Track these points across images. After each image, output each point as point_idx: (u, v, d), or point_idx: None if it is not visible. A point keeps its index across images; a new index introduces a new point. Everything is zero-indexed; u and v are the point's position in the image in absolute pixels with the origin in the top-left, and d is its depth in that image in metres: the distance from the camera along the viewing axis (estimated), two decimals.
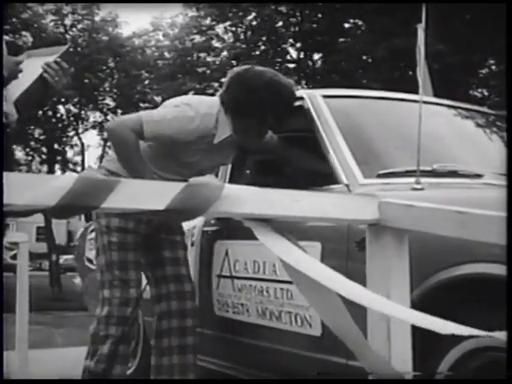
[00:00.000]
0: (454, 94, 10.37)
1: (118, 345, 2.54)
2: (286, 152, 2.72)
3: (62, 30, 16.12)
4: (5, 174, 0.94)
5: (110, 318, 2.53)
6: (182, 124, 2.46)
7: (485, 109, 3.17)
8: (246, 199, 1.12)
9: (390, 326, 1.24)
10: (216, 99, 2.59)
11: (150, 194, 1.04)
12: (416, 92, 3.32)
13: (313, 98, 2.62)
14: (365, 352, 1.19)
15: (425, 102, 2.24)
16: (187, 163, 2.59)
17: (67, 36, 16.13)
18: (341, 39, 14.21)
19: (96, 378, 2.54)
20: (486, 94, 14.81)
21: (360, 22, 14.29)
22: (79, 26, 16.37)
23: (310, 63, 15.32)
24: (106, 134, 2.97)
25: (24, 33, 15.62)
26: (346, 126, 2.50)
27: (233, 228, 2.67)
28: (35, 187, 0.96)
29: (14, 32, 15.51)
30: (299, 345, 2.37)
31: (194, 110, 2.49)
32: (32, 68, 2.16)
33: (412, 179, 2.13)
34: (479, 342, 1.73)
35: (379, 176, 2.30)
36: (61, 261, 16.95)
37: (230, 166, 2.98)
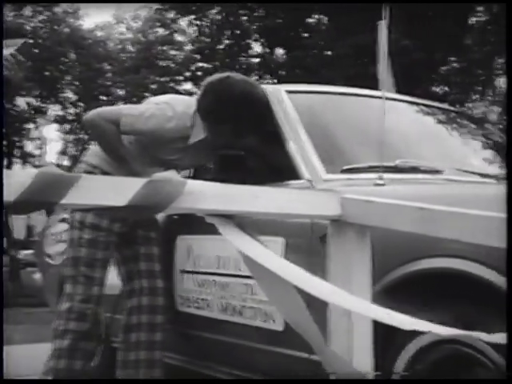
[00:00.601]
0: (416, 90, 10.51)
1: (79, 340, 2.54)
2: (248, 148, 2.73)
3: (21, 20, 15.82)
4: None
5: (71, 314, 2.54)
6: (159, 122, 2.49)
7: (445, 105, 3.22)
8: (209, 195, 1.12)
9: (352, 321, 1.25)
10: (193, 99, 2.62)
11: (112, 190, 1.03)
12: (378, 88, 3.37)
13: (276, 93, 2.62)
14: (323, 349, 1.20)
15: (387, 99, 2.26)
16: (166, 161, 2.60)
17: (27, 27, 15.85)
18: (305, 34, 14.27)
19: (57, 373, 2.52)
20: (447, 90, 15.03)
21: (324, 18, 14.36)
22: (40, 17, 16.09)
23: (274, 58, 15.34)
24: (84, 126, 2.94)
25: None
26: (309, 121, 2.52)
27: (194, 223, 2.66)
28: None
29: None
30: (262, 339, 2.38)
31: (172, 109, 2.52)
32: None
33: (374, 175, 2.15)
34: (436, 336, 1.76)
35: (342, 171, 2.32)
36: (20, 256, 16.66)
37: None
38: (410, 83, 10.36)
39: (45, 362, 2.59)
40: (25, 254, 22.58)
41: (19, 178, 0.96)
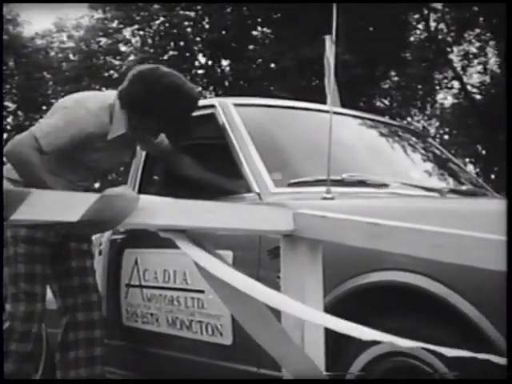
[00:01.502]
0: (358, 104, 10.71)
1: (22, 362, 2.44)
2: (196, 160, 2.71)
3: None
4: None
5: (13, 334, 2.42)
6: (76, 125, 2.37)
7: (388, 119, 3.28)
8: (162, 210, 1.11)
9: (304, 332, 1.26)
10: (108, 93, 2.54)
11: (63, 205, 1.01)
12: (323, 101, 3.42)
13: (224, 106, 2.62)
14: (288, 356, 1.20)
15: (334, 113, 2.29)
16: (88, 164, 2.53)
17: None
18: (250, 47, 14.37)
19: None
20: (387, 103, 15.36)
21: (268, 31, 14.50)
22: None
23: (219, 70, 15.39)
24: (8, 158, 2.75)
25: None
26: (257, 135, 2.52)
27: (142, 236, 2.63)
28: None
29: None
30: (210, 354, 2.36)
31: (84, 107, 2.40)
32: None
33: (322, 188, 2.17)
34: (385, 348, 1.79)
35: (290, 185, 2.34)
36: None
37: (139, 175, 2.94)
38: (353, 97, 10.57)
39: None
40: None
41: None
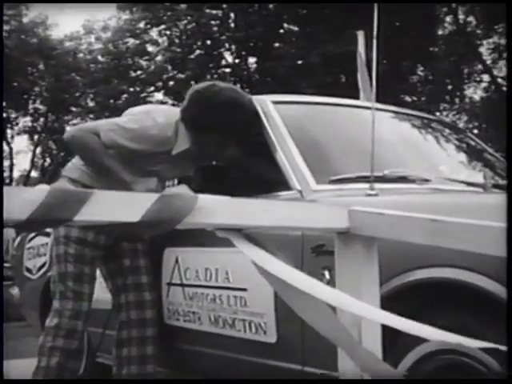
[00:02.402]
0: (386, 100, 10.62)
1: (67, 359, 2.49)
2: (237, 158, 2.71)
3: None
4: None
5: (59, 330, 2.48)
6: (139, 133, 2.45)
7: (425, 114, 3.24)
8: (220, 210, 1.10)
9: (361, 331, 1.25)
10: (174, 109, 2.61)
11: (124, 206, 1.01)
12: (352, 97, 3.39)
13: (263, 104, 2.61)
14: (357, 352, 1.19)
15: (376, 109, 2.27)
16: (150, 172, 2.57)
17: None
18: (276, 44, 14.35)
19: None
20: (415, 99, 15.22)
21: (294, 28, 14.46)
22: (6, 27, 15.89)
23: (245, 68, 15.39)
24: (66, 143, 2.82)
25: None
26: (296, 132, 2.51)
27: (182, 235, 2.62)
28: (4, 201, 0.91)
29: None
30: (254, 352, 2.36)
31: (152, 118, 2.48)
32: None
33: (363, 185, 2.15)
34: (434, 346, 1.76)
35: (331, 182, 2.31)
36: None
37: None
38: (380, 93, 10.50)
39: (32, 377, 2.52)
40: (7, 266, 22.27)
41: (30, 195, 0.93)
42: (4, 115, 16.87)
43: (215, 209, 1.10)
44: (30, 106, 16.99)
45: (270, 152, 2.48)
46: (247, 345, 2.37)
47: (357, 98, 3.99)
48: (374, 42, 2.67)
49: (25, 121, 17.03)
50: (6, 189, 0.91)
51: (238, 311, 2.40)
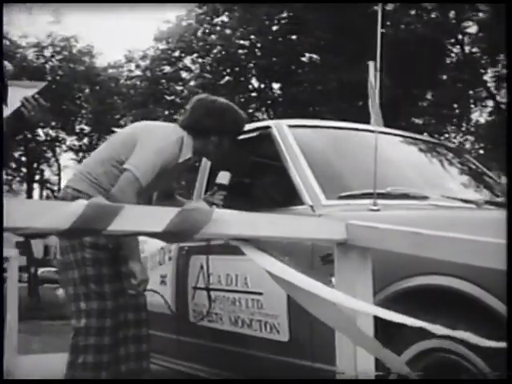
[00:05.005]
0: (398, 122, 10.62)
1: (102, 354, 2.47)
2: (255, 176, 2.79)
3: (42, 60, 15.97)
4: (23, 200, 0.97)
5: (89, 329, 2.46)
6: (163, 157, 2.47)
7: (427, 137, 3.28)
8: (233, 222, 1.17)
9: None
10: (171, 125, 2.67)
11: (150, 218, 1.08)
12: (365, 122, 3.44)
13: (279, 128, 2.68)
14: (360, 338, 1.24)
15: (380, 132, 2.33)
16: (155, 186, 2.61)
17: (47, 66, 15.99)
18: (298, 71, 14.43)
19: None
20: (424, 122, 15.15)
21: (315, 56, 14.55)
22: (58, 57, 16.23)
23: (270, 93, 15.48)
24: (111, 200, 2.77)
25: (6, 63, 15.42)
26: (309, 153, 2.57)
27: (207, 244, 2.70)
28: (50, 212, 0.99)
29: None
30: (269, 350, 2.41)
31: (171, 141, 2.51)
32: (12, 99, 2.10)
33: (369, 201, 2.20)
34: (429, 344, 1.80)
35: (340, 198, 2.37)
36: (38, 273, 16.64)
37: (205, 184, 3.03)
38: (392, 116, 10.52)
39: (65, 375, 2.50)
40: (42, 271, 22.63)
41: (72, 208, 1.01)
42: (54, 134, 17.19)
43: (228, 221, 1.16)
44: (77, 127, 17.26)
45: (285, 171, 2.54)
46: (263, 343, 2.43)
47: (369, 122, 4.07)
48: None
49: (71, 140, 17.30)
50: (50, 202, 0.99)
51: (254, 313, 2.45)
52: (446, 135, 15.57)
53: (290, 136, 2.62)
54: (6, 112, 1.95)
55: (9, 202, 0.97)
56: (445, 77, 13.97)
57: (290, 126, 2.70)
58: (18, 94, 2.12)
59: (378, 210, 2.13)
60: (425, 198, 2.42)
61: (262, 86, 15.35)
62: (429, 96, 14.97)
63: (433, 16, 13.06)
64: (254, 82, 15.53)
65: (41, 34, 16.00)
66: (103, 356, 2.49)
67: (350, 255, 1.30)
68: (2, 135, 1.55)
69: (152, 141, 2.51)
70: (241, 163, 2.88)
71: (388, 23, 11.31)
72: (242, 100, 14.72)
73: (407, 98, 12.72)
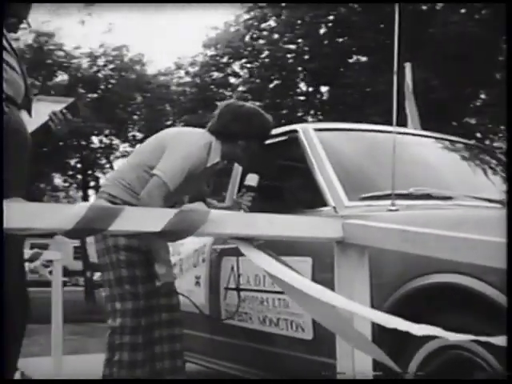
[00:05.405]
0: (450, 122, 10.46)
1: (137, 352, 2.57)
2: (283, 179, 2.85)
3: (95, 69, 16.46)
4: (29, 203, 1.08)
5: (124, 328, 2.56)
6: (190, 163, 2.57)
7: (458, 138, 3.27)
8: (229, 222, 1.24)
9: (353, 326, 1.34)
10: (200, 131, 2.75)
11: (149, 219, 1.17)
12: (407, 122, 3.47)
13: (305, 131, 2.75)
14: (372, 348, 1.29)
15: (400, 133, 2.36)
16: (185, 191, 2.71)
17: (99, 75, 16.46)
18: (347, 73, 14.37)
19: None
20: (478, 121, 14.84)
21: (363, 58, 14.47)
22: (110, 66, 16.69)
23: (319, 96, 15.48)
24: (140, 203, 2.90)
25: (60, 72, 16.01)
26: (334, 155, 2.63)
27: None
28: (54, 214, 1.09)
29: (50, 73, 15.89)
30: (294, 348, 2.47)
31: (198, 146, 2.62)
32: (39, 113, 2.20)
33: (388, 202, 2.23)
34: (441, 342, 1.83)
35: (362, 199, 2.41)
36: (94, 277, 17.08)
37: (237, 185, 3.12)
38: (444, 118, 10.37)
39: (104, 373, 2.61)
40: (99, 275, 23.21)
41: (75, 210, 1.11)
42: (107, 142, 17.65)
43: (225, 221, 1.24)
44: (129, 134, 17.67)
45: (311, 173, 2.60)
46: (289, 341, 2.49)
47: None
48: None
49: (124, 146, 17.72)
50: (56, 205, 1.09)
51: (281, 312, 2.52)
52: (500, 135, 15.19)
53: (316, 139, 2.68)
54: (30, 125, 2.07)
55: (18, 205, 1.08)
56: (498, 76, 13.65)
57: (316, 130, 2.76)
58: (47, 109, 2.23)
59: (396, 211, 2.16)
60: (449, 198, 2.43)
61: (310, 89, 15.36)
62: (482, 96, 14.66)
63: (483, 12, 12.79)
64: (302, 86, 15.56)
65: (93, 44, 16.52)
66: (138, 354, 2.60)
67: (348, 253, 1.36)
68: (1, 137, 1.66)
69: (180, 146, 2.61)
70: (269, 166, 2.95)
71: (435, 23, 11.15)
72: (291, 104, 14.78)
73: (459, 98, 12.50)
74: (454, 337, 1.07)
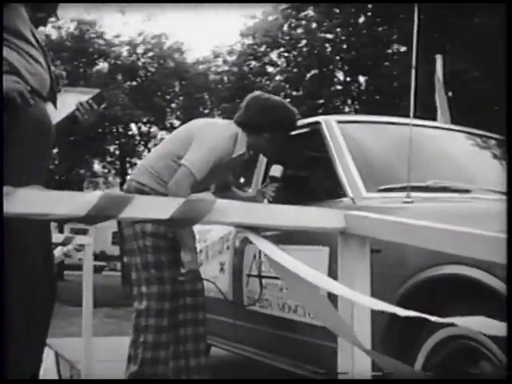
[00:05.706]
0: (485, 114, 10.30)
1: (161, 334, 2.66)
2: (306, 170, 2.91)
3: (134, 58, 16.69)
4: (47, 191, 1.17)
5: (150, 311, 2.65)
6: (217, 154, 2.65)
7: (485, 133, 3.26)
8: (233, 211, 1.32)
9: (354, 322, 1.40)
10: (227, 122, 2.83)
11: (157, 207, 1.25)
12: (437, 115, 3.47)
13: (328, 123, 2.79)
14: (348, 336, 1.34)
15: (418, 125, 2.38)
16: (211, 180, 2.79)
17: (139, 63, 16.69)
18: (385, 63, 14.25)
19: (145, 364, 2.65)
20: None
21: (402, 48, 14.31)
22: (149, 54, 16.91)
23: (356, 86, 15.39)
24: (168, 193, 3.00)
25: (100, 60, 16.30)
26: (355, 147, 2.67)
27: (261, 235, 2.84)
28: (70, 201, 1.18)
29: (91, 61, 16.18)
30: (311, 334, 2.53)
31: (224, 137, 2.69)
32: (66, 103, 2.29)
33: (405, 193, 2.27)
34: (449, 332, 1.87)
35: (379, 191, 2.45)
36: None
37: (261, 176, 3.19)
38: (481, 111, 10.22)
39: (129, 354, 2.70)
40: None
41: (88, 198, 1.19)
42: (145, 129, 17.93)
43: (230, 210, 1.31)
44: (167, 122, 17.89)
45: (332, 165, 2.65)
46: (307, 327, 2.55)
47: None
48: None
49: (161, 134, 17.96)
50: (69, 193, 1.18)
51: None
52: None
53: (338, 131, 2.73)
54: (58, 114, 2.17)
55: (38, 193, 1.18)
56: None
57: (339, 122, 2.80)
58: (73, 100, 2.32)
59: (411, 202, 2.20)
60: (466, 191, 2.45)
61: (348, 79, 15.29)
62: None
63: None
64: (340, 76, 15.50)
65: (133, 33, 16.75)
66: (162, 336, 2.69)
67: (350, 243, 1.42)
68: (2, 135, 1.74)
69: (207, 137, 2.68)
70: (293, 157, 3.01)
71: (478, 14, 10.96)
72: (328, 93, 14.75)
73: (500, 90, 12.29)
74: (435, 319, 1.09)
